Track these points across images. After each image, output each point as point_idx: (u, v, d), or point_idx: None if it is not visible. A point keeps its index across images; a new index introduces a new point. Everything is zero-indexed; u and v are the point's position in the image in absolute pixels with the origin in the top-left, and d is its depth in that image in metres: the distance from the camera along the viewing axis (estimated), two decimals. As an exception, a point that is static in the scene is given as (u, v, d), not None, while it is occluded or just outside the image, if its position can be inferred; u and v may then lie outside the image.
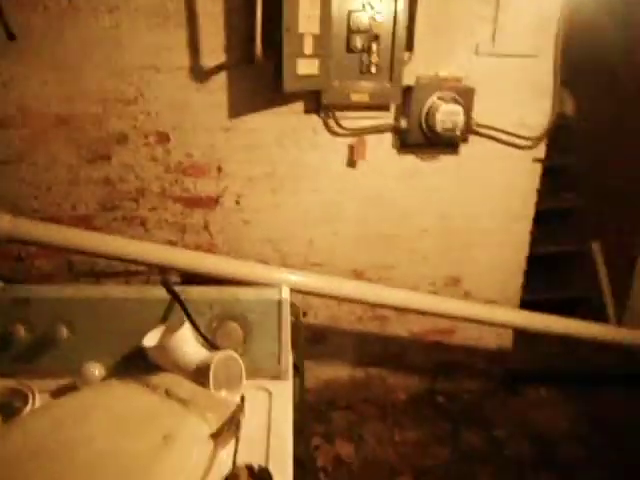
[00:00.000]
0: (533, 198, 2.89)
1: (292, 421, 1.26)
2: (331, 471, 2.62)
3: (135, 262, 2.24)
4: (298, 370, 2.57)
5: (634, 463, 2.58)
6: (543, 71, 2.65)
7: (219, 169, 2.63)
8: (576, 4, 2.66)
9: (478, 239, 2.92)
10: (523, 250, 2.97)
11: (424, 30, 2.50)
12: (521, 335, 3.60)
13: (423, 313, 2.81)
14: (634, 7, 3.36)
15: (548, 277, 4.09)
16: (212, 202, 2.70)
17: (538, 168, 2.82)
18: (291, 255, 2.82)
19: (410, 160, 2.72)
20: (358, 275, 2.90)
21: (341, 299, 2.77)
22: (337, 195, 2.74)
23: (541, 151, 2.79)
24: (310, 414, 2.95)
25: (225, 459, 1.10)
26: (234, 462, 1.09)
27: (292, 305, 2.36)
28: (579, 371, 3.33)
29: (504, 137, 2.70)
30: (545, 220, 4.10)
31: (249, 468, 1.06)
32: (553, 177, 4.17)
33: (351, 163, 2.68)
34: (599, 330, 2.96)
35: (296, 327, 2.36)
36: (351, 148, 2.64)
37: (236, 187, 2.67)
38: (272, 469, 1.08)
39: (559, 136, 4.19)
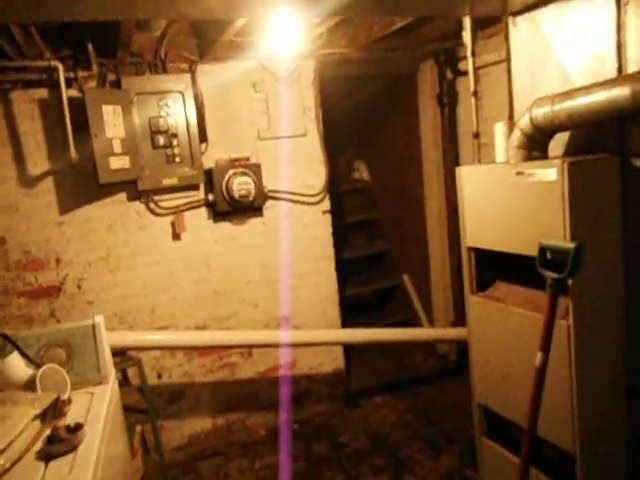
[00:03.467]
0: (331, 242, 3.62)
1: (105, 409, 1.69)
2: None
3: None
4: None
5: (444, 434, 3.21)
6: (313, 145, 3.49)
7: (57, 260, 3.01)
8: (328, 95, 3.61)
9: (296, 282, 3.55)
10: (333, 284, 3.65)
11: (214, 126, 3.23)
12: (359, 359, 4.26)
13: (265, 346, 3.35)
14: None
15: (377, 309, 4.87)
16: (55, 290, 3.03)
17: (328, 218, 3.58)
18: (137, 324, 3.20)
19: (225, 226, 3.34)
20: (201, 329, 3.34)
21: (189, 348, 3.22)
22: (169, 264, 3.23)
23: (327, 204, 3.56)
24: (177, 468, 3.21)
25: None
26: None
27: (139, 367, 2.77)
28: (407, 378, 4.00)
29: (294, 197, 3.45)
30: (365, 265, 4.95)
31: (67, 426, 1.46)
32: (365, 230, 5.10)
33: (175, 236, 3.22)
34: (416, 332, 3.75)
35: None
36: (172, 224, 3.20)
37: (76, 273, 3.06)
38: (87, 427, 1.50)
39: (364, 197, 5.19)
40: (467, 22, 1.85)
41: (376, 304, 4.96)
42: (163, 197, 3.16)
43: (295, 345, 3.44)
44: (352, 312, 4.52)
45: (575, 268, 1.46)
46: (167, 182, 3.09)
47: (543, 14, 1.74)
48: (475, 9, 1.76)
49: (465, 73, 3.27)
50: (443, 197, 3.87)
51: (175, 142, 3.08)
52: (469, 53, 1.93)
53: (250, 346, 3.39)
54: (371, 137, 4.97)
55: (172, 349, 3.24)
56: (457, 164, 3.53)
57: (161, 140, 3.04)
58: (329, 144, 3.58)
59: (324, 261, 3.62)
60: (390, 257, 4.95)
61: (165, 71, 3.09)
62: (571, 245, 1.44)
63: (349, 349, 3.96)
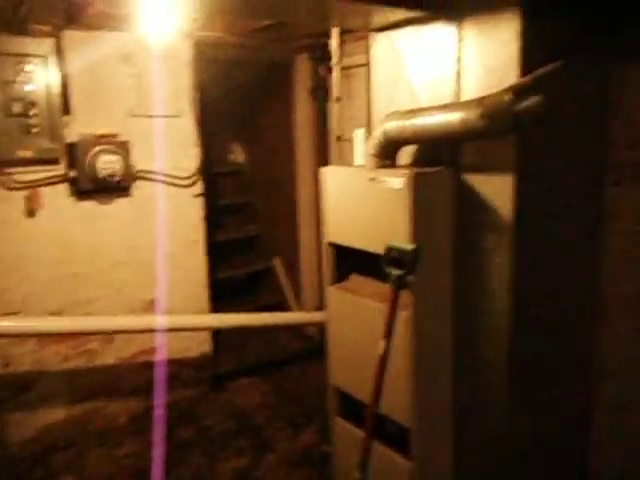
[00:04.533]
0: (202, 225, 3.59)
1: None
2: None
3: None
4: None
5: (305, 413, 3.41)
6: (186, 127, 3.42)
7: None
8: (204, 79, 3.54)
9: (165, 265, 3.48)
10: (203, 268, 3.64)
11: (80, 99, 3.02)
12: (228, 341, 4.31)
13: (129, 332, 3.25)
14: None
15: (248, 292, 4.95)
16: None
17: (200, 201, 3.55)
18: (-19, 308, 2.92)
19: (89, 205, 3.16)
20: (57, 315, 3.15)
21: (40, 335, 3.02)
22: (21, 244, 2.98)
23: (199, 188, 3.53)
24: (27, 463, 3.03)
25: None
26: None
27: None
28: (274, 360, 4.14)
29: (165, 179, 3.36)
30: (238, 248, 4.98)
31: None
32: (238, 213, 5.11)
33: (30, 213, 2.98)
34: (282, 317, 3.88)
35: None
36: (27, 199, 2.95)
37: None
38: None
39: (239, 180, 5.19)
40: (334, 33, 1.95)
41: (248, 287, 5.03)
42: (18, 170, 2.90)
43: (162, 331, 3.38)
44: (224, 295, 4.55)
45: (414, 267, 1.65)
46: (22, 154, 2.84)
47: (399, 35, 1.90)
48: (342, 23, 1.87)
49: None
50: (314, 185, 4.03)
51: (33, 111, 2.84)
52: (335, 61, 2.04)
53: (113, 332, 3.28)
54: (248, 121, 4.97)
55: (22, 336, 3.02)
56: (327, 154, 3.70)
57: (16, 108, 2.79)
58: (206, 125, 3.54)
59: (195, 245, 3.59)
60: (262, 241, 5.03)
61: (26, 33, 2.81)
62: (410, 247, 1.63)
63: (217, 332, 3.98)
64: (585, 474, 2.29)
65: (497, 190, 1.74)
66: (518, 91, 1.49)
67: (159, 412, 3.52)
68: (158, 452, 3.08)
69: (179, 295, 3.57)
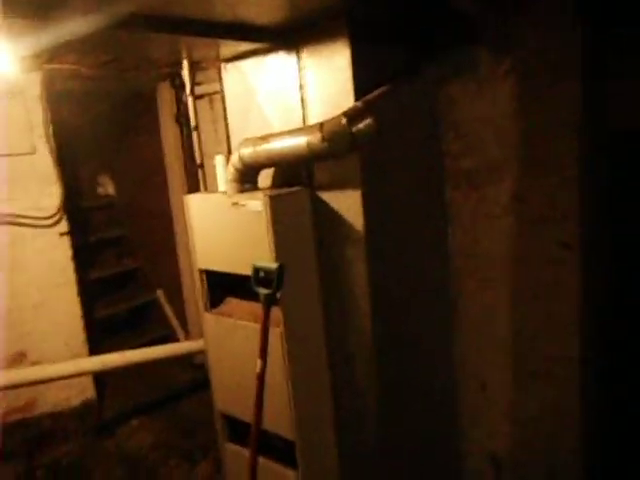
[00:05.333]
0: (71, 265, 3.40)
1: None
2: None
3: None
4: None
5: (200, 445, 3.33)
6: (43, 164, 3.23)
7: None
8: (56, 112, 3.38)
9: (28, 315, 3.23)
10: (76, 311, 3.44)
11: None
12: (114, 383, 4.08)
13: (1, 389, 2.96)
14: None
15: (132, 328, 4.73)
16: None
17: (66, 240, 3.36)
18: None
19: None
20: None
21: None
22: None
23: (64, 226, 3.34)
24: None
25: None
26: None
27: None
28: (164, 395, 4.00)
29: (23, 221, 3.14)
30: (117, 283, 4.76)
31: None
32: (114, 247, 4.90)
33: None
34: (167, 349, 3.73)
35: None
36: None
37: None
38: None
39: (111, 213, 4.98)
40: (185, 63, 1.99)
41: (132, 323, 4.81)
42: None
43: (33, 384, 3.13)
44: (106, 334, 4.32)
45: (279, 284, 1.72)
46: None
47: (246, 65, 1.99)
48: (191, 55, 1.93)
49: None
50: (190, 214, 3.99)
51: None
52: (188, 91, 2.08)
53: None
54: (115, 151, 4.81)
55: None
56: (198, 182, 3.70)
57: None
58: (68, 159, 3.37)
59: (64, 287, 3.39)
60: (143, 273, 4.86)
61: None
62: (274, 265, 1.71)
63: (101, 375, 3.76)
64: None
65: (349, 205, 1.89)
66: (352, 115, 1.65)
67: (39, 473, 3.24)
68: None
69: (52, 343, 3.35)
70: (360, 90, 1.78)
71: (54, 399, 3.38)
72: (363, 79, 1.81)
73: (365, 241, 1.87)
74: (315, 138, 1.67)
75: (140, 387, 4.19)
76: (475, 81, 2.09)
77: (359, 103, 1.69)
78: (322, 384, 2.10)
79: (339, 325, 2.09)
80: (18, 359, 3.21)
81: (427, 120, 2.19)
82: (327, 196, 1.94)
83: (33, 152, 3.20)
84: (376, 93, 1.75)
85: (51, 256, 3.31)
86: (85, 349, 3.50)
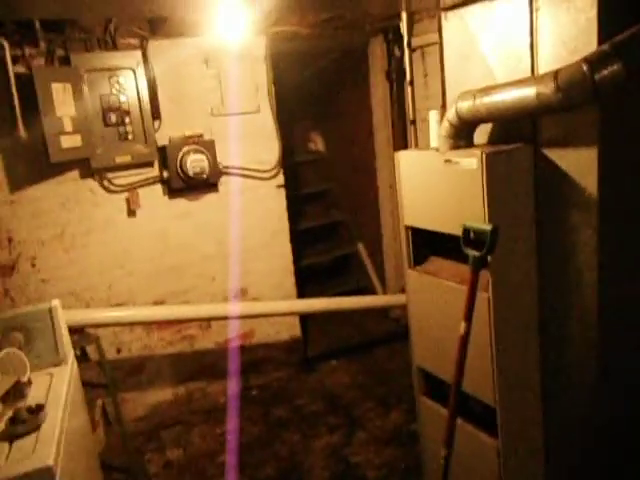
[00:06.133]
0: (285, 215, 3.73)
1: (65, 389, 1.79)
2: (162, 474, 3.05)
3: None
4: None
5: (394, 393, 3.47)
6: (266, 122, 3.56)
7: (9, 239, 3.02)
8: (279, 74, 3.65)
9: (251, 255, 3.67)
10: (288, 256, 3.79)
11: (167, 104, 3.25)
12: (316, 325, 4.45)
13: (222, 319, 3.48)
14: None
15: (333, 278, 5.06)
16: (8, 270, 3.04)
17: (282, 192, 3.69)
18: (94, 301, 3.26)
19: (181, 202, 3.40)
20: (159, 305, 3.44)
21: (147, 323, 3.32)
22: (125, 241, 3.29)
23: (280, 179, 3.66)
24: (141, 437, 3.36)
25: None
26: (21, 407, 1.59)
27: (98, 344, 2.84)
28: (361, 342, 4.23)
29: (248, 173, 3.53)
30: (321, 234, 5.10)
31: (28, 407, 1.57)
32: (320, 200, 5.23)
33: (130, 213, 3.27)
34: (367, 300, 3.97)
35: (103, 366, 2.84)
36: (127, 201, 3.24)
37: (30, 252, 3.07)
38: (48, 407, 1.61)
39: (319, 168, 5.29)
40: (404, 15, 1.94)
41: (333, 272, 5.15)
42: (117, 174, 3.19)
43: (252, 317, 3.59)
44: (310, 281, 4.70)
45: (492, 247, 1.63)
46: (120, 160, 3.11)
47: (470, 12, 1.85)
48: (411, 6, 1.87)
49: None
50: (393, 169, 4.02)
51: (127, 119, 3.10)
52: (405, 44, 2.04)
53: (208, 319, 3.52)
54: (326, 109, 5.05)
55: (130, 325, 3.33)
56: (405, 138, 3.68)
57: (113, 118, 3.05)
58: (284, 117, 3.65)
59: (279, 234, 3.75)
60: (345, 226, 5.11)
61: (115, 47, 3.07)
62: (488, 227, 1.62)
63: (306, 317, 4.13)
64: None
65: (581, 165, 1.67)
66: (595, 61, 1.42)
67: (254, 392, 3.75)
68: (255, 429, 3.30)
69: (267, 283, 3.75)
70: (605, 33, 1.53)
71: (267, 332, 3.82)
72: (610, 20, 1.54)
73: (597, 206, 1.65)
74: (547, 88, 1.49)
75: (338, 333, 4.50)
76: None
77: (605, 46, 1.45)
78: (529, 351, 1.97)
79: (555, 296, 1.91)
80: (240, 294, 3.69)
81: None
82: (553, 154, 1.75)
83: (258, 111, 3.54)
84: (625, 35, 1.48)
85: (270, 205, 3.67)
86: (294, 292, 3.85)
